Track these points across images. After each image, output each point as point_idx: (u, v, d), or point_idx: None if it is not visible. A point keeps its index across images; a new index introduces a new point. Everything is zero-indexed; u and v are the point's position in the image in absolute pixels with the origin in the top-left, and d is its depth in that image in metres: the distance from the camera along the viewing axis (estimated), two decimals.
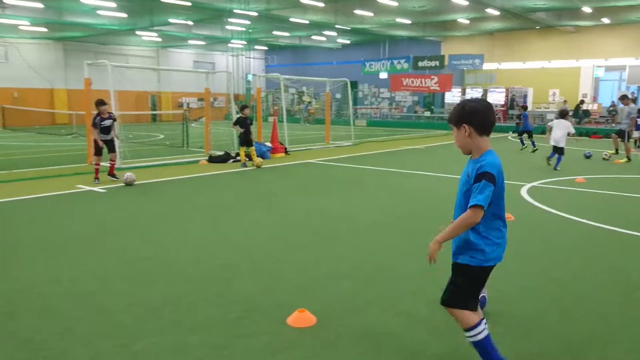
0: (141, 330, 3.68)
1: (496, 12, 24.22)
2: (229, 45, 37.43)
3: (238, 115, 13.52)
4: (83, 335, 3.59)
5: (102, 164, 10.39)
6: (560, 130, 12.35)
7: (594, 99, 31.04)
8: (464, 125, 2.84)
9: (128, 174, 10.12)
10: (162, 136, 22.89)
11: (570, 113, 27.88)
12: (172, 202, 8.60)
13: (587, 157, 14.75)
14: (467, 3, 22.12)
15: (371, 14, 25.71)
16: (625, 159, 14.15)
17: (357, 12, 25.01)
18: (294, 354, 3.36)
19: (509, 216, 7.29)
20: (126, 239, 6.22)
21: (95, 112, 10.22)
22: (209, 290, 4.45)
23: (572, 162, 13.58)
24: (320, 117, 35.16)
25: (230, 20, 26.60)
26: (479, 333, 2.93)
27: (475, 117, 2.83)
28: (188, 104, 39.18)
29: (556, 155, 12.48)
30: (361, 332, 3.67)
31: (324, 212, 7.71)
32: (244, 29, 29.78)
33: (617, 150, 15.35)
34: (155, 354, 3.36)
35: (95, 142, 10.08)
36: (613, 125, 24.77)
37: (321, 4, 22.73)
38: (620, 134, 14.80)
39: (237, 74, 36.53)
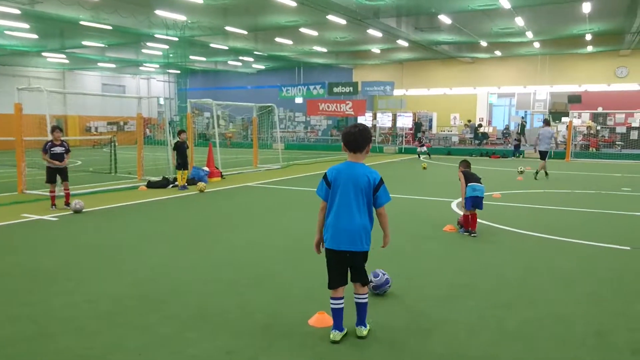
0: (185, 341, 4.09)
1: (406, 44, 26.37)
2: (140, 68, 36.83)
3: (175, 140, 13.72)
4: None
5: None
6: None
7: (489, 123, 34.45)
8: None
9: (77, 201, 10.01)
10: (79, 162, 22.05)
11: (472, 135, 30.73)
12: (138, 227, 8.72)
13: None
14: (381, 35, 23.92)
15: (290, 42, 26.83)
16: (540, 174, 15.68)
17: (278, 39, 26.00)
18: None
19: (451, 227, 8.39)
20: (117, 261, 6.40)
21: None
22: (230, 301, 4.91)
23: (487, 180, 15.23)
24: (237, 140, 35.55)
25: (148, 44, 26.40)
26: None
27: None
28: (97, 128, 37.69)
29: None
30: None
31: (302, 228, 8.32)
32: (160, 53, 29.60)
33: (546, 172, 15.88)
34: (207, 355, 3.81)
35: (47, 168, 9.89)
36: (509, 146, 27.55)
37: (244, 32, 23.41)
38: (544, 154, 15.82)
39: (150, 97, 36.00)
